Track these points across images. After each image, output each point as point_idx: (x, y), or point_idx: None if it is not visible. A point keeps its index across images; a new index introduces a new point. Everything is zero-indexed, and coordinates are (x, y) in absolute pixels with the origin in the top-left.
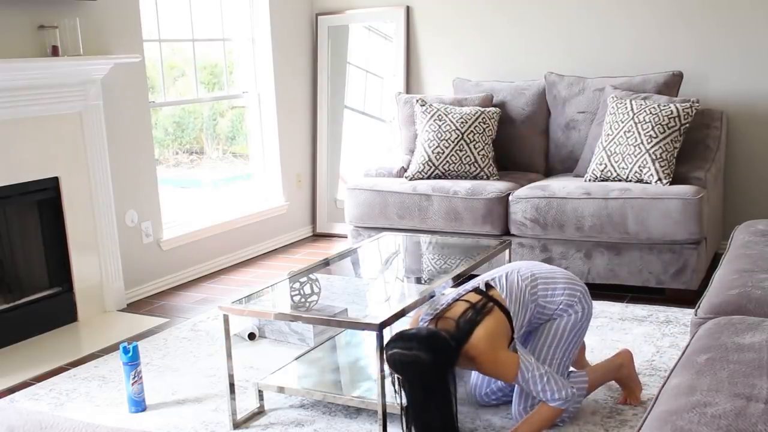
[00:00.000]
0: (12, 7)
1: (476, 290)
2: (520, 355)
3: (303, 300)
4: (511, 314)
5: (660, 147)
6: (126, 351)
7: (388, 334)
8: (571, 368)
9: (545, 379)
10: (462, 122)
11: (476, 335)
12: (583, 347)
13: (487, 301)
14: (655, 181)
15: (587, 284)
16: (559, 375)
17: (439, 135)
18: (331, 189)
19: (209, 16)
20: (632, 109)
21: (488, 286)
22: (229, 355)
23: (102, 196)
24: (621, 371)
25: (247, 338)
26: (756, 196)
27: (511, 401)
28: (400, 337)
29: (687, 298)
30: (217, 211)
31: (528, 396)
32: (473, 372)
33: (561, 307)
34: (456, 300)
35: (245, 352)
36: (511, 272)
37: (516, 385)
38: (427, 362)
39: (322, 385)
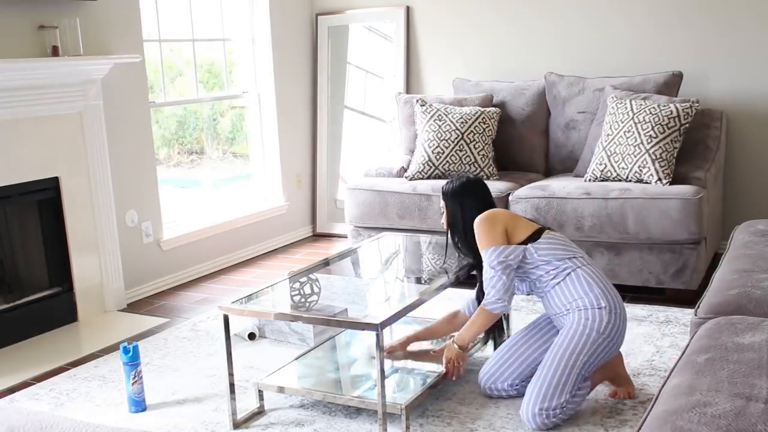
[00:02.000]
0: (12, 7)
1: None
2: (508, 250)
3: (303, 300)
4: (539, 240)
5: (660, 147)
6: (126, 351)
7: (388, 334)
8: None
9: (497, 278)
10: (462, 122)
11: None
12: (619, 358)
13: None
14: (655, 181)
15: None
16: (569, 385)
17: (439, 135)
18: (331, 189)
19: (209, 16)
20: (632, 109)
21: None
22: (229, 355)
23: (102, 196)
24: (612, 372)
25: (247, 338)
26: (756, 196)
27: (518, 396)
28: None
29: (687, 298)
30: (217, 211)
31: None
32: (484, 365)
33: (585, 300)
34: None
35: (245, 352)
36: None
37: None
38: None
39: (322, 385)
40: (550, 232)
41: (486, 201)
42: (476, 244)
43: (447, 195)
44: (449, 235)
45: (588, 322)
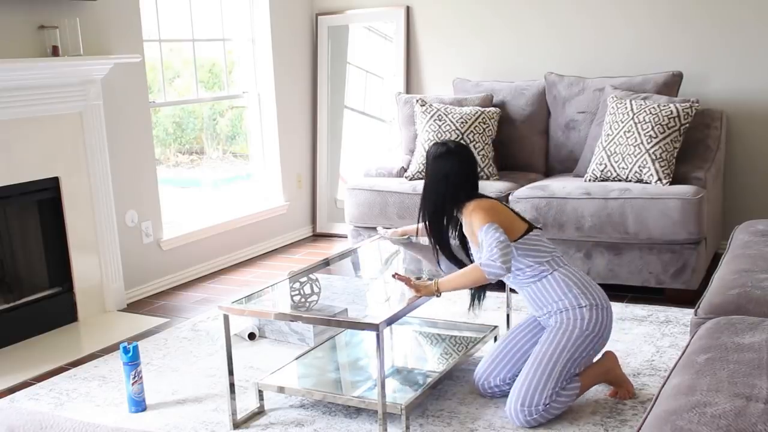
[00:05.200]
0: (12, 7)
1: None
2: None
3: (303, 300)
4: (526, 235)
5: (660, 147)
6: (126, 351)
7: (388, 334)
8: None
9: (496, 244)
10: (462, 122)
11: (485, 200)
12: (614, 359)
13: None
14: (655, 181)
15: None
16: (561, 381)
17: (439, 135)
18: (331, 189)
19: (209, 16)
20: (632, 109)
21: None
22: (229, 355)
23: (102, 196)
24: (609, 374)
25: (247, 338)
26: (756, 196)
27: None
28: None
29: (687, 298)
30: (217, 211)
31: (527, 392)
32: (479, 363)
33: (567, 299)
34: None
35: (245, 352)
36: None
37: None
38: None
39: (322, 385)
40: (535, 232)
41: (474, 181)
42: (446, 226)
43: (437, 168)
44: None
45: (570, 321)
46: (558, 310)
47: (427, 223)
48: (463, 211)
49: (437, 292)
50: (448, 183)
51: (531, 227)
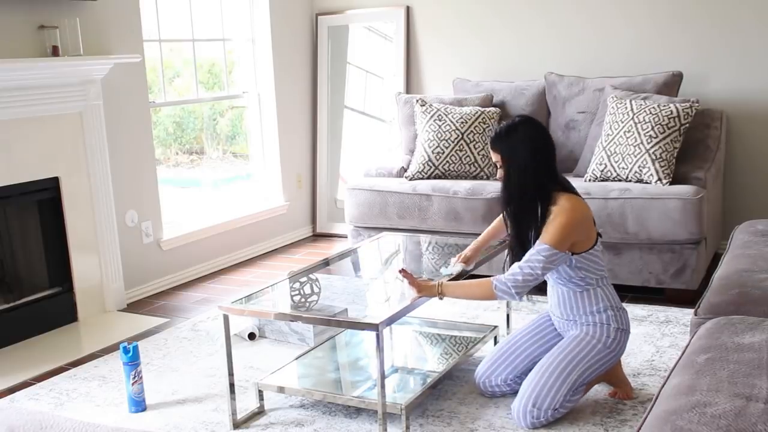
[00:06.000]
0: (12, 7)
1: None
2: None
3: (303, 300)
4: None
5: (660, 147)
6: (126, 351)
7: (388, 334)
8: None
9: (528, 271)
10: (462, 122)
11: (579, 202)
12: (618, 361)
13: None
14: (655, 181)
15: None
16: (565, 389)
17: (439, 135)
18: (331, 189)
19: (209, 16)
20: (632, 109)
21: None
22: (229, 355)
23: (102, 196)
24: (610, 374)
25: (247, 338)
26: (756, 196)
27: (513, 394)
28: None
29: (687, 298)
30: (217, 211)
31: (536, 395)
32: (480, 363)
33: (599, 314)
34: None
35: (245, 352)
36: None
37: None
38: (529, 123)
39: (322, 385)
40: (598, 246)
41: (551, 163)
42: (531, 214)
43: (510, 142)
44: (503, 197)
45: (596, 335)
46: (587, 323)
47: (519, 218)
48: (552, 202)
49: (440, 295)
50: (538, 161)
51: (598, 235)
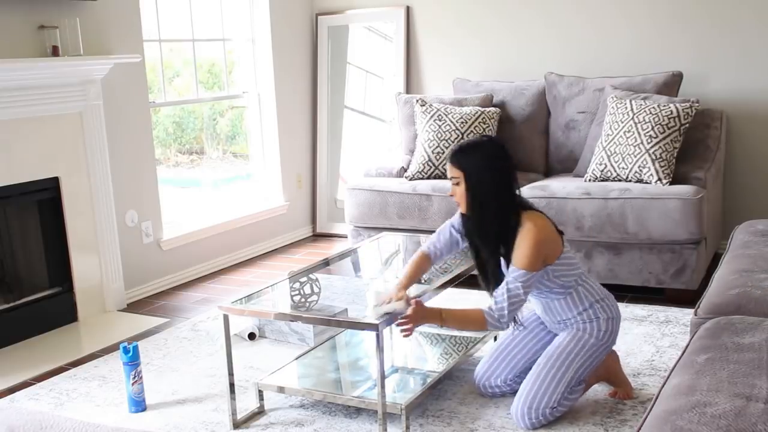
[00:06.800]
0: (12, 7)
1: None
2: (528, 278)
3: (303, 300)
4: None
5: (660, 147)
6: (126, 351)
7: (388, 334)
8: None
9: (512, 297)
10: (462, 122)
11: (541, 219)
12: (616, 358)
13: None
14: (655, 181)
15: None
16: (562, 387)
17: (439, 135)
18: (331, 189)
19: (209, 16)
20: (632, 109)
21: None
22: (229, 355)
23: (102, 196)
24: (610, 373)
25: (247, 338)
26: (756, 196)
27: (512, 393)
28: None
29: (687, 298)
30: (217, 211)
31: (536, 395)
32: (479, 363)
33: (586, 311)
34: None
35: (245, 352)
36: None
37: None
38: (493, 143)
39: (322, 385)
40: (567, 247)
41: (513, 183)
42: (491, 229)
43: (474, 159)
44: (469, 216)
45: (587, 331)
46: (575, 322)
47: (485, 244)
48: (518, 223)
49: (441, 323)
50: (496, 179)
51: (561, 234)
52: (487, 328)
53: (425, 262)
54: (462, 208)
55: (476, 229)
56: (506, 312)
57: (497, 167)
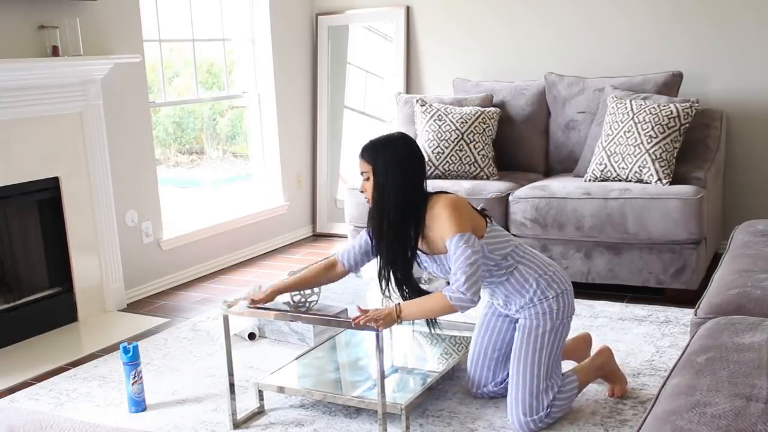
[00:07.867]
0: (12, 7)
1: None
2: (475, 244)
3: (303, 300)
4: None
5: (660, 147)
6: (126, 351)
7: (388, 334)
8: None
9: (466, 266)
10: (462, 122)
11: (450, 194)
12: (588, 340)
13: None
14: (655, 181)
15: (587, 284)
16: (551, 376)
17: (439, 135)
18: (331, 189)
19: (209, 16)
20: (632, 109)
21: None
22: (229, 355)
23: (102, 196)
24: (604, 369)
25: (247, 338)
26: (756, 196)
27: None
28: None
29: (687, 298)
30: (217, 211)
31: (524, 401)
32: (469, 366)
33: (535, 292)
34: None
35: (245, 352)
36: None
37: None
38: (404, 140)
39: (322, 385)
40: (491, 224)
41: (421, 178)
42: (395, 218)
43: (382, 155)
44: (375, 213)
45: (539, 317)
46: (526, 305)
47: (391, 237)
48: (427, 212)
49: (399, 320)
50: (406, 174)
51: (483, 215)
52: (455, 309)
53: (330, 269)
54: (370, 203)
55: (378, 220)
56: (464, 281)
57: (406, 162)
